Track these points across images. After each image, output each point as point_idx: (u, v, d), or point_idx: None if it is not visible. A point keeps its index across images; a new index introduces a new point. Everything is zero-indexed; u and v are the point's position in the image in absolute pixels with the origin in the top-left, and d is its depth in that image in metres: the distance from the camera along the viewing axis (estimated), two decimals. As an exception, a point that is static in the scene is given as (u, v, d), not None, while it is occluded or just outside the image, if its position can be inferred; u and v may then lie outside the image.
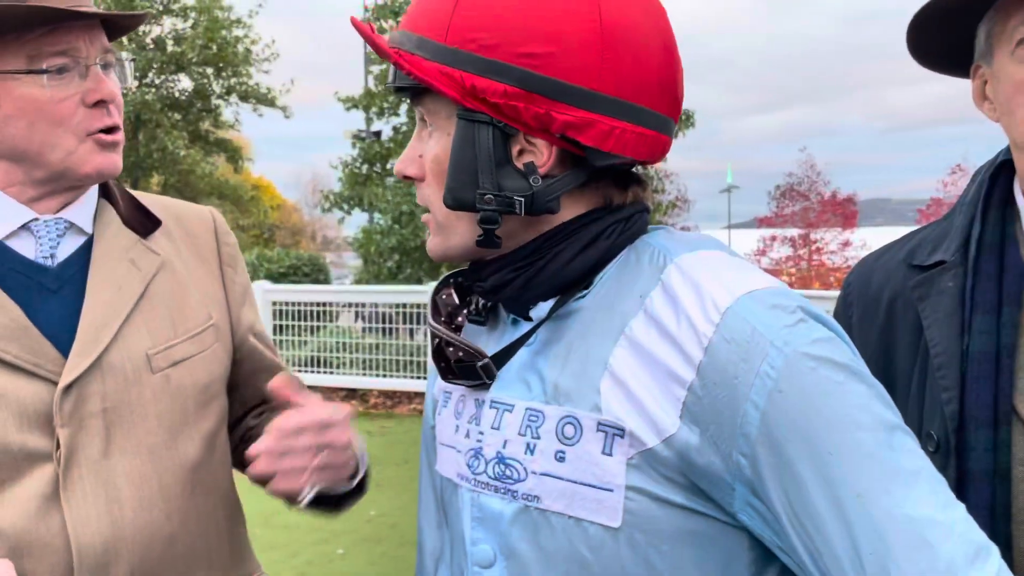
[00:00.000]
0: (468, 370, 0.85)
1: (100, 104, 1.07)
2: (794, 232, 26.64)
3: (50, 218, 1.10)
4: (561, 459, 0.78)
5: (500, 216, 0.80)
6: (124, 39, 17.91)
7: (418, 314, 8.15)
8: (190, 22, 18.41)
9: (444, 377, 0.88)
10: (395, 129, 13.52)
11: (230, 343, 1.22)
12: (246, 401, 1.29)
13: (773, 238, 27.01)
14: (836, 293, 1.24)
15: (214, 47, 18.13)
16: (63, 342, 1.05)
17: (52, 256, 1.09)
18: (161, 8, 18.21)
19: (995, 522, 0.96)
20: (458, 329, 0.92)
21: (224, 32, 18.27)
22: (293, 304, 8.53)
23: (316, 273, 12.60)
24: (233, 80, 19.09)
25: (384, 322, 8.51)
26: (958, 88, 1.19)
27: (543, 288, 0.83)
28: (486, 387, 0.86)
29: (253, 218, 22.71)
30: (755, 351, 0.71)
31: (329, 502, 1.11)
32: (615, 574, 0.77)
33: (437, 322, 0.89)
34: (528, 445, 0.81)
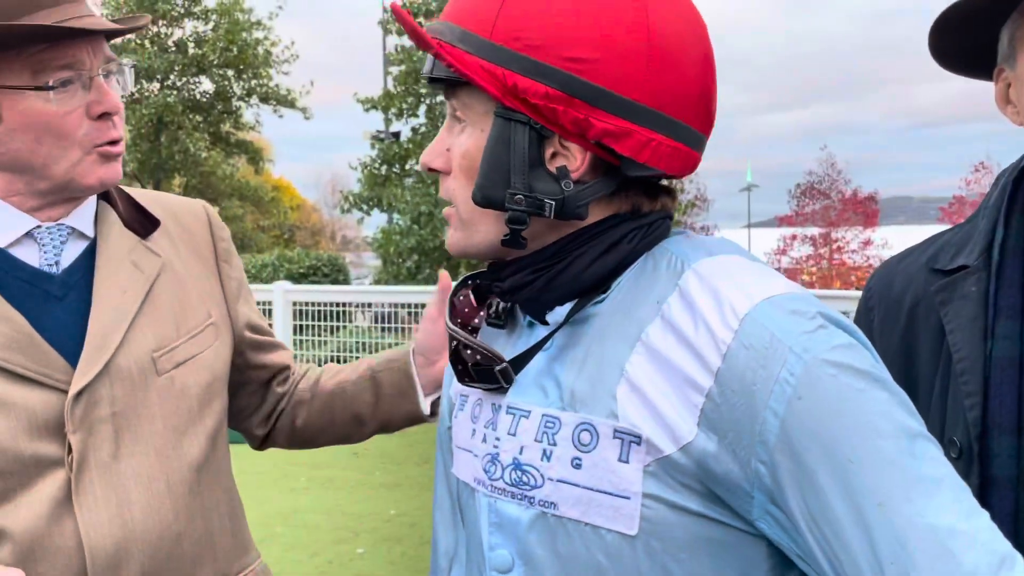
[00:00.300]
0: (486, 374, 0.85)
1: (104, 116, 1.07)
2: (815, 231, 26.44)
3: (52, 225, 1.10)
4: (578, 466, 0.78)
5: (528, 217, 0.80)
6: (147, 43, 18.12)
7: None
8: (211, 25, 18.57)
9: (461, 380, 0.88)
10: (414, 130, 13.56)
11: (230, 339, 1.24)
12: (260, 379, 1.34)
13: (793, 237, 26.81)
14: (857, 293, 1.23)
15: (235, 49, 18.27)
16: (70, 349, 1.06)
17: (56, 263, 1.10)
18: (183, 11, 18.38)
19: (1019, 529, 0.95)
20: (475, 331, 0.92)
21: (244, 34, 18.41)
22: (313, 304, 8.58)
23: (336, 274, 12.66)
24: (253, 82, 19.24)
25: (401, 322, 8.53)
26: (981, 85, 1.18)
27: (562, 291, 0.83)
28: (503, 391, 0.86)
29: (273, 219, 22.87)
30: (774, 357, 0.70)
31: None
32: None
33: (454, 324, 0.89)
34: (545, 452, 0.81)
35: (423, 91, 13.12)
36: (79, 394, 1.04)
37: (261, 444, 1.42)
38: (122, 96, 1.13)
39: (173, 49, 18.49)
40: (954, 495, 0.67)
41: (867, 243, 25.89)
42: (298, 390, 1.37)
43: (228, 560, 1.18)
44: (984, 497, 0.97)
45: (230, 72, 18.96)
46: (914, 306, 1.11)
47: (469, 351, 0.85)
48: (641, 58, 0.77)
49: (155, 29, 18.44)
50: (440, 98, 13.12)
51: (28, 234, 1.09)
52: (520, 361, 0.84)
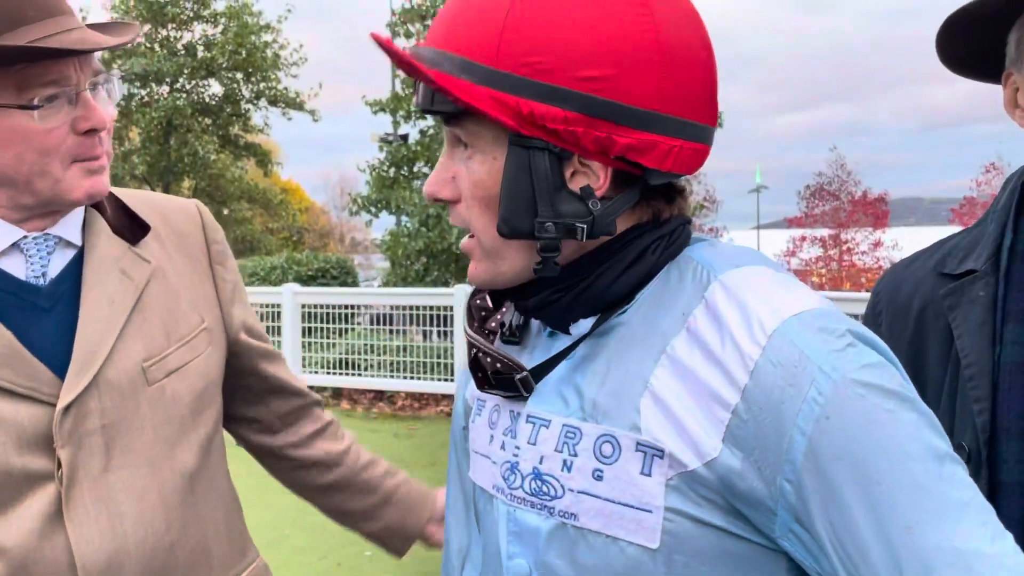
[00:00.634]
0: (505, 382, 0.84)
1: (91, 132, 1.05)
2: (824, 232, 26.34)
3: (39, 235, 1.08)
4: (599, 478, 0.77)
5: (560, 243, 0.78)
6: (156, 46, 18.21)
7: (445, 316, 8.18)
8: (220, 28, 18.65)
9: (480, 387, 0.87)
10: (422, 132, 13.58)
11: (224, 344, 1.22)
12: (252, 387, 1.31)
13: (803, 239, 26.72)
14: (867, 295, 1.23)
15: (243, 52, 18.35)
16: (59, 361, 1.05)
17: (43, 274, 1.08)
18: (192, 15, 18.46)
19: (1028, 534, 0.95)
20: (491, 334, 0.90)
21: (253, 37, 18.49)
22: (321, 307, 8.60)
23: (344, 276, 12.68)
24: (262, 85, 19.31)
25: (400, 324, 8.56)
26: (991, 86, 1.18)
27: (587, 307, 0.81)
28: (522, 399, 0.85)
29: (282, 221, 22.93)
30: (802, 376, 0.69)
31: None
32: None
33: (472, 329, 0.88)
34: (565, 462, 0.80)
35: (431, 93, 13.14)
36: (67, 408, 1.03)
37: (264, 458, 1.40)
38: (116, 104, 1.11)
39: (182, 52, 18.58)
40: (980, 518, 0.67)
41: (877, 244, 25.78)
42: (319, 445, 1.35)
43: (224, 566, 1.17)
44: (992, 502, 0.96)
45: (239, 75, 19.04)
46: (922, 310, 1.10)
47: (489, 359, 0.84)
48: (654, 66, 0.75)
49: (164, 32, 18.53)
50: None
51: (14, 245, 1.07)
52: (542, 370, 0.83)
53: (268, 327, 8.53)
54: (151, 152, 18.15)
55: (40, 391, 1.03)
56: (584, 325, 0.83)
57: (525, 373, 0.82)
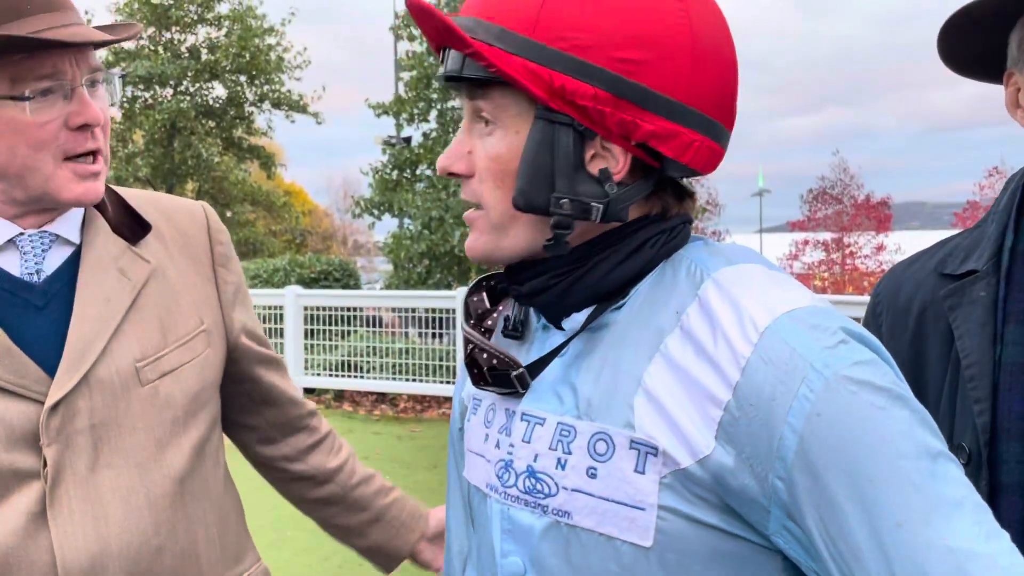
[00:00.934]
0: (501, 378, 0.84)
1: (84, 128, 1.04)
2: (827, 236, 26.31)
3: (35, 232, 1.08)
4: (593, 475, 0.77)
5: (573, 221, 0.78)
6: (160, 49, 18.25)
7: (447, 319, 8.18)
8: (224, 31, 18.68)
9: (476, 383, 0.87)
10: (425, 135, 13.59)
11: (223, 346, 1.21)
12: (249, 394, 1.30)
13: (805, 242, 26.69)
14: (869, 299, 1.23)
15: (247, 55, 18.37)
16: (51, 359, 1.04)
17: (38, 271, 1.08)
18: (196, 17, 18.50)
19: (1029, 536, 0.95)
20: (488, 332, 0.91)
21: (257, 40, 18.51)
22: (324, 309, 8.60)
23: (347, 278, 12.69)
24: (266, 87, 19.33)
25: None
26: (995, 89, 1.18)
27: (582, 296, 0.81)
28: (518, 397, 0.85)
29: (285, 224, 22.94)
30: (794, 373, 0.69)
31: None
32: None
33: (469, 326, 0.88)
34: (559, 460, 0.80)
35: (434, 96, 13.15)
36: (55, 406, 1.02)
37: (258, 465, 1.39)
38: (112, 104, 1.10)
39: (186, 55, 18.61)
40: (974, 517, 0.66)
41: (880, 248, 25.74)
42: (312, 461, 1.34)
43: (215, 571, 1.16)
44: (992, 503, 0.96)
45: (243, 78, 19.05)
46: (923, 311, 1.10)
47: (485, 355, 0.85)
48: (686, 59, 0.76)
49: (168, 35, 18.57)
50: (452, 103, 13.16)
51: (11, 241, 1.07)
52: (537, 367, 0.83)
53: (270, 329, 8.54)
54: (154, 155, 18.18)
55: (29, 388, 1.02)
56: (577, 320, 0.83)
57: (521, 370, 0.83)
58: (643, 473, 0.75)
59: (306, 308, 8.63)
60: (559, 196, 0.77)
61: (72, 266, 1.09)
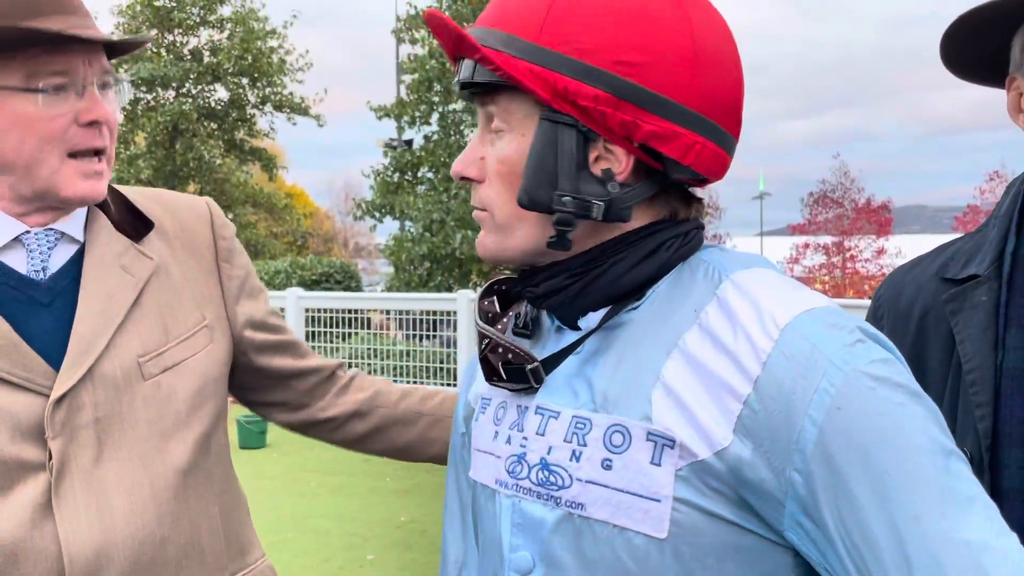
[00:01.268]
0: (516, 373, 0.85)
1: (93, 124, 1.07)
2: (827, 240, 26.31)
3: (41, 230, 1.10)
4: (608, 467, 0.78)
5: (576, 219, 0.80)
6: (162, 51, 18.28)
7: (448, 321, 8.18)
8: (226, 33, 18.71)
9: (489, 380, 0.87)
10: (426, 138, 13.61)
11: (227, 341, 1.22)
12: (268, 378, 1.30)
13: (806, 246, 26.70)
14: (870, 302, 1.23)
15: (249, 58, 18.40)
16: (56, 355, 1.06)
17: (44, 269, 1.10)
18: (198, 20, 18.53)
19: (1030, 540, 0.95)
20: None
21: (259, 43, 18.54)
22: (325, 311, 8.61)
23: (348, 280, 12.70)
24: (268, 90, 19.35)
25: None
26: (996, 93, 1.18)
27: (596, 297, 0.83)
28: (531, 392, 0.86)
29: (286, 226, 22.95)
30: (814, 368, 0.71)
31: None
32: None
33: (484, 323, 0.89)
34: (574, 452, 0.80)
35: (436, 99, 13.18)
36: (60, 400, 1.04)
37: (303, 431, 1.39)
38: (122, 108, 1.13)
39: (188, 57, 18.63)
40: (986, 514, 0.68)
41: (880, 252, 25.74)
42: (346, 400, 1.35)
43: (220, 563, 1.17)
44: (994, 508, 0.96)
45: (245, 80, 19.07)
46: (924, 315, 1.10)
47: (500, 350, 0.86)
48: (687, 63, 0.79)
49: (171, 38, 18.60)
50: (453, 106, 13.17)
51: (17, 239, 1.09)
52: (551, 362, 0.84)
53: (271, 331, 8.54)
54: (157, 156, 18.20)
55: (35, 381, 1.04)
56: (593, 320, 0.84)
57: (536, 364, 0.84)
58: (659, 465, 0.76)
59: (307, 310, 8.64)
60: (561, 194, 0.80)
61: (77, 264, 1.12)
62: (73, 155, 1.07)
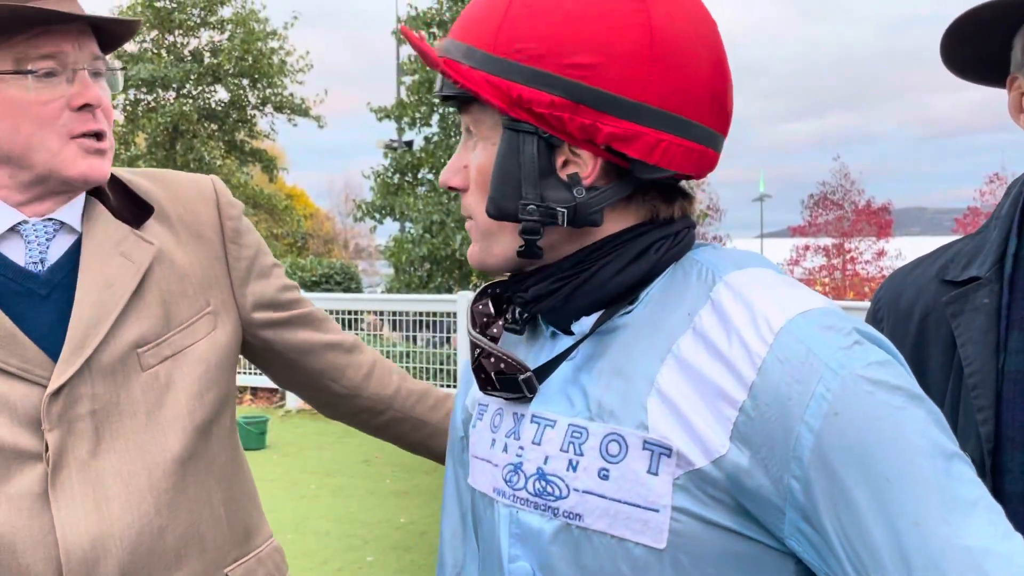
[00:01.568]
0: (509, 383, 0.84)
1: (86, 108, 1.07)
2: (828, 241, 26.32)
3: (39, 220, 1.09)
4: (605, 477, 0.77)
5: (542, 227, 0.80)
6: (163, 52, 18.29)
7: (448, 323, 8.18)
8: (227, 34, 18.71)
9: (483, 389, 0.87)
10: (427, 139, 13.61)
11: (233, 325, 1.21)
12: (281, 355, 1.28)
13: (806, 247, 26.71)
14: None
15: (250, 59, 18.40)
16: (54, 347, 1.05)
17: (42, 260, 1.09)
18: (199, 21, 18.54)
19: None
20: (494, 340, 0.91)
21: (260, 44, 18.54)
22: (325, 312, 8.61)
23: (348, 282, 12.70)
24: (268, 91, 19.35)
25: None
26: (996, 95, 1.18)
27: (587, 300, 0.82)
28: (526, 401, 0.85)
29: (286, 227, 22.93)
30: (810, 372, 0.69)
31: None
32: None
33: (476, 332, 0.89)
34: (571, 462, 0.79)
35: (436, 100, 13.18)
36: (57, 392, 1.04)
37: (329, 413, 1.39)
38: (113, 95, 1.12)
39: (189, 58, 18.64)
40: (989, 517, 0.67)
41: (881, 254, 25.75)
42: (368, 396, 1.34)
43: (221, 551, 1.16)
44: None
45: (245, 81, 19.08)
46: (924, 318, 1.09)
47: (492, 359, 0.85)
48: (644, 58, 0.77)
49: (171, 39, 18.61)
50: (452, 108, 13.16)
51: (14, 229, 1.08)
52: (544, 371, 0.83)
53: (271, 332, 8.53)
54: (157, 157, 18.21)
55: (32, 372, 1.04)
56: (586, 324, 0.83)
57: (529, 374, 0.82)
58: (656, 474, 0.74)
59: (307, 311, 8.63)
60: (526, 203, 0.79)
61: (75, 254, 1.11)
62: (74, 137, 1.07)
